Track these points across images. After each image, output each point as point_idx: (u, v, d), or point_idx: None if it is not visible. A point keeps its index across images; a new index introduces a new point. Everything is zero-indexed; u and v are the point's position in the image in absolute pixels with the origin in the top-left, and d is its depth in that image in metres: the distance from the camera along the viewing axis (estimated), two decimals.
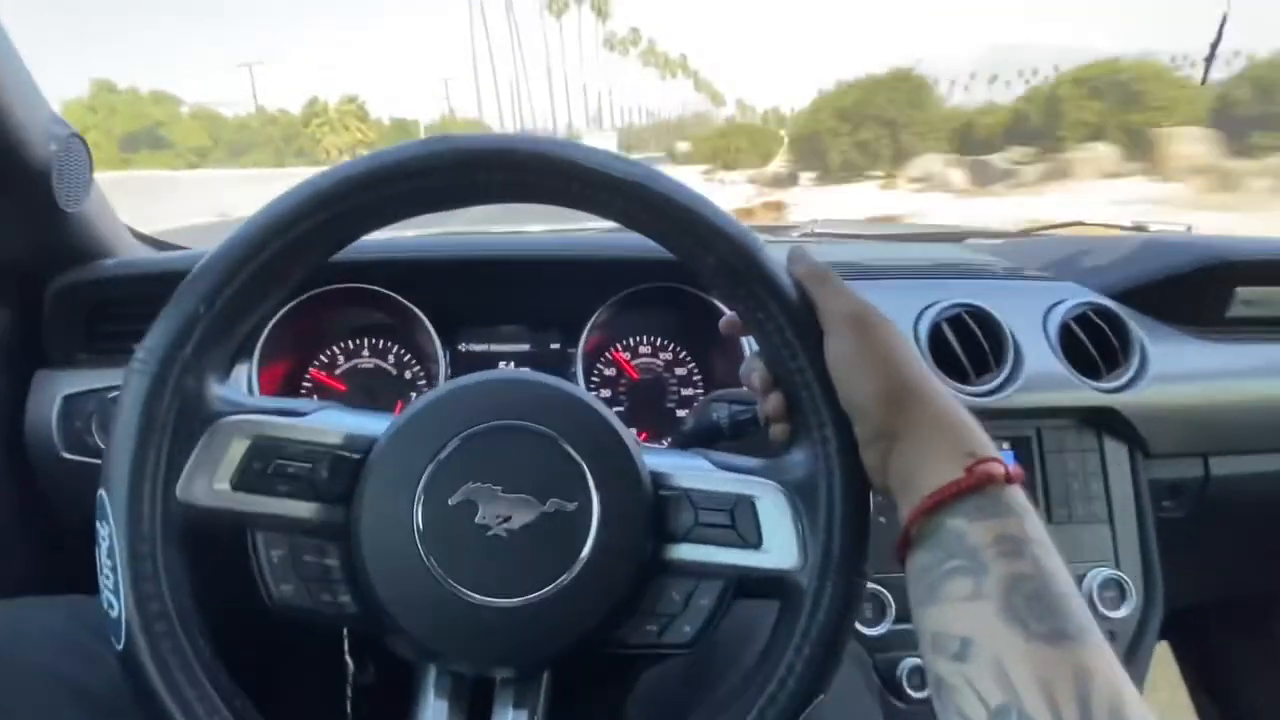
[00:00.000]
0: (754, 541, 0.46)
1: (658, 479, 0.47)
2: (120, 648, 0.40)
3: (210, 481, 0.43)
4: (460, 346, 0.88)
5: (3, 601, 0.55)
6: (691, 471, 0.48)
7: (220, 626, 0.43)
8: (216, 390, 0.45)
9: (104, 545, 0.41)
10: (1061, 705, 0.32)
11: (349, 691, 0.69)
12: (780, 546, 0.45)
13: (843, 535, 0.44)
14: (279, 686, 0.49)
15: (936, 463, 0.41)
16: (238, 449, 0.44)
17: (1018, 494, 0.40)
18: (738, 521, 0.46)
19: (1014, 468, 0.40)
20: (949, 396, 0.43)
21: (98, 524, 0.41)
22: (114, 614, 0.40)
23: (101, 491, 0.41)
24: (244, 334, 0.46)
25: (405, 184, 0.43)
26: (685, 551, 0.46)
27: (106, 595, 0.41)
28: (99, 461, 0.71)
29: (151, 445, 0.41)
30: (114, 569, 0.40)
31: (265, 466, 0.44)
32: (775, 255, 0.46)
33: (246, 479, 0.44)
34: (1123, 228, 1.26)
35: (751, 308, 0.45)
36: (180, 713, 0.40)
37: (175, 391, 0.42)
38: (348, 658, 0.65)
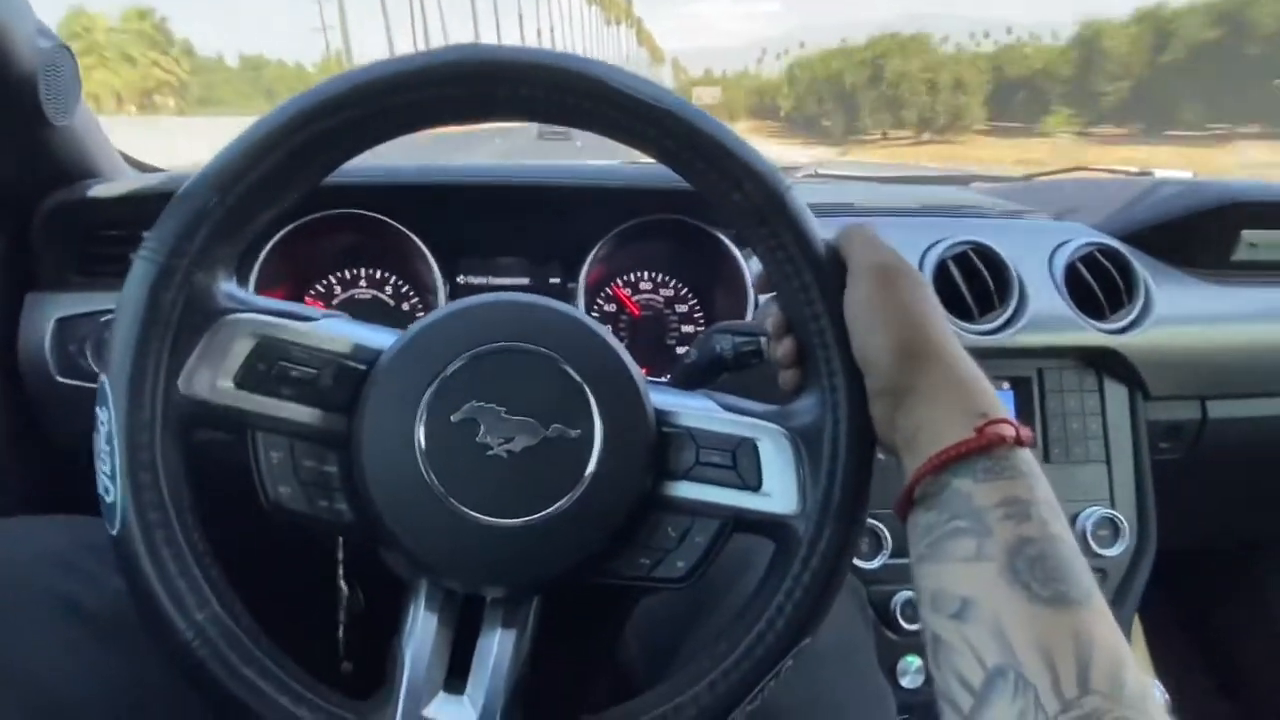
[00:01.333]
0: (754, 484, 0.46)
1: (662, 416, 0.47)
2: (114, 533, 0.40)
3: (213, 377, 0.43)
4: (459, 278, 0.87)
5: (1, 521, 0.55)
6: (697, 411, 0.48)
7: (216, 527, 0.43)
8: (223, 286, 0.44)
9: (103, 430, 0.41)
10: (1060, 669, 0.32)
11: (342, 616, 0.69)
12: (780, 491, 0.45)
13: (843, 484, 0.44)
14: (270, 597, 0.49)
15: (946, 422, 0.40)
16: (242, 347, 0.44)
17: (1027, 456, 0.39)
18: (739, 463, 0.46)
19: (1024, 430, 0.40)
20: (964, 355, 0.43)
21: (97, 409, 0.41)
22: (109, 499, 0.40)
23: (103, 377, 0.41)
24: (252, 234, 0.45)
25: (428, 91, 0.42)
26: (684, 489, 0.46)
27: (103, 480, 0.41)
28: (93, 385, 0.71)
29: (155, 335, 0.41)
30: (111, 454, 0.40)
31: (269, 368, 0.44)
32: (802, 198, 0.45)
33: (249, 378, 0.43)
34: (1128, 172, 1.25)
35: (773, 249, 0.45)
36: (170, 601, 0.40)
37: (182, 283, 0.41)
38: (341, 582, 0.66)
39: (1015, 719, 0.32)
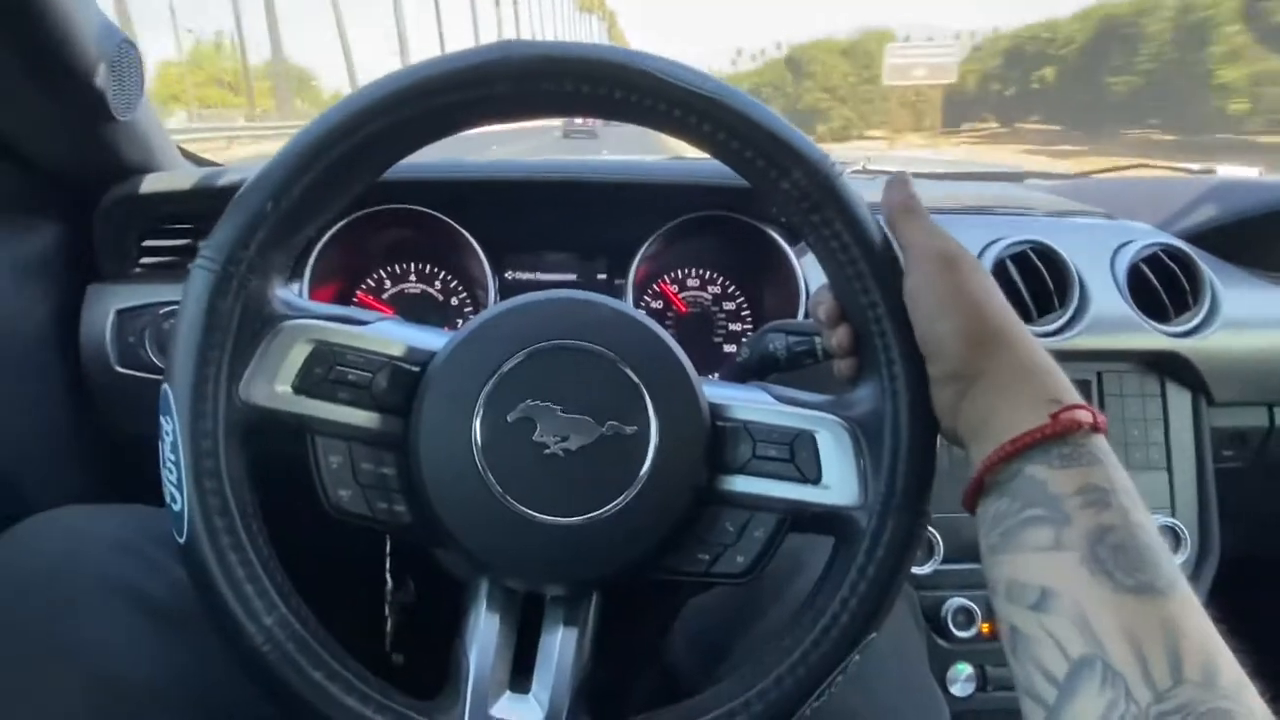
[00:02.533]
0: (813, 477, 0.45)
1: (716, 410, 0.46)
2: (182, 540, 0.41)
3: (271, 383, 0.43)
4: (507, 274, 0.87)
5: (65, 508, 0.56)
6: (751, 404, 0.47)
7: (276, 529, 0.43)
8: (279, 292, 0.45)
9: (167, 440, 0.41)
10: (1151, 659, 0.31)
11: (387, 610, 0.70)
12: (840, 483, 0.45)
13: (906, 474, 0.43)
14: (325, 597, 0.49)
15: (1017, 408, 0.39)
16: (299, 353, 0.44)
17: (1103, 443, 0.38)
18: (797, 456, 0.45)
19: (1101, 417, 0.39)
20: (1034, 342, 0.42)
21: (161, 418, 0.41)
22: (176, 508, 0.41)
23: (165, 386, 0.41)
24: (305, 238, 0.45)
25: (477, 90, 0.42)
26: (741, 483, 0.46)
27: (169, 489, 0.41)
28: (153, 376, 0.72)
29: (215, 343, 0.41)
30: (177, 463, 0.41)
31: (326, 372, 0.44)
32: (853, 184, 0.44)
33: (307, 383, 0.44)
34: (1189, 170, 1.21)
35: (825, 236, 0.44)
36: (239, 605, 0.40)
37: (239, 291, 0.42)
38: (388, 576, 0.66)
39: (1104, 710, 0.31)
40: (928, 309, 0.42)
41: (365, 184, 0.45)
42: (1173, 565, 0.34)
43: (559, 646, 0.46)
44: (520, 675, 0.46)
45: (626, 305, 0.48)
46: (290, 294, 0.46)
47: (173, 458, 0.41)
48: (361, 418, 0.44)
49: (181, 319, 0.42)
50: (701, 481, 0.45)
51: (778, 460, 0.45)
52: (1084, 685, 0.32)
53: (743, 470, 0.46)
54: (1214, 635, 0.32)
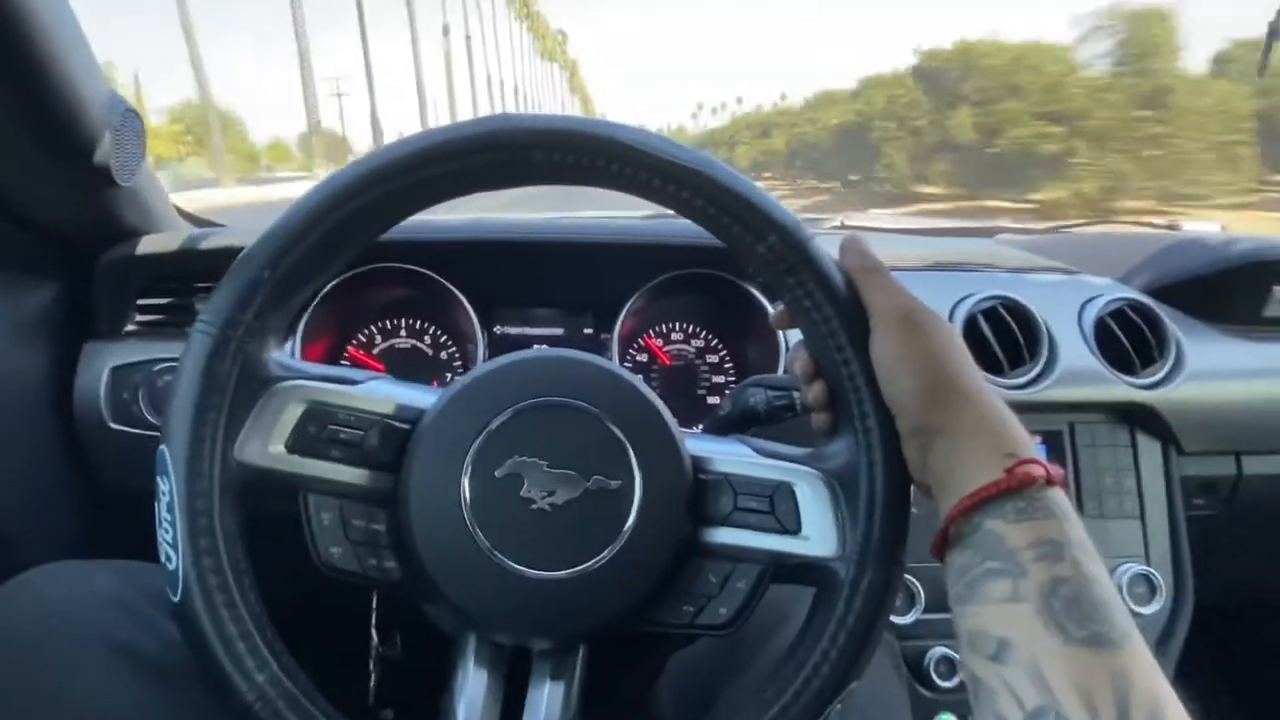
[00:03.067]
0: (793, 528, 0.46)
1: (698, 463, 0.48)
2: (176, 599, 0.41)
3: (266, 443, 0.44)
4: (495, 329, 0.89)
5: (59, 563, 0.56)
6: (732, 457, 0.49)
7: (265, 585, 0.44)
8: (274, 355, 0.46)
9: (164, 500, 0.42)
10: (1100, 709, 0.32)
11: (372, 664, 0.70)
12: (819, 534, 0.46)
13: (883, 525, 0.44)
14: (312, 652, 0.50)
15: (975, 463, 0.41)
16: (293, 413, 0.45)
17: (1059, 496, 0.40)
18: (777, 507, 0.47)
19: (1055, 469, 0.40)
20: (993, 397, 0.43)
21: (158, 479, 0.42)
22: (171, 567, 0.42)
23: (163, 447, 0.42)
24: (301, 303, 0.47)
25: (459, 162, 0.44)
26: (724, 535, 0.47)
27: (165, 548, 0.42)
28: (146, 432, 0.73)
29: (212, 405, 0.43)
30: (173, 523, 0.41)
31: (318, 431, 0.45)
32: (825, 247, 0.46)
33: (300, 442, 0.45)
34: (1155, 225, 1.26)
35: (799, 297, 0.46)
36: (232, 665, 0.41)
37: (237, 354, 0.43)
38: (373, 631, 0.67)
39: None
40: (888, 367, 0.44)
41: (359, 249, 0.47)
42: (1125, 617, 0.36)
43: (546, 700, 0.47)
44: None
45: (610, 362, 0.49)
46: (284, 355, 0.47)
47: (169, 517, 0.42)
48: (353, 475, 0.46)
49: (179, 381, 0.43)
50: (685, 534, 0.46)
51: (759, 512, 0.47)
52: None
53: (725, 522, 0.47)
54: (1163, 686, 0.34)
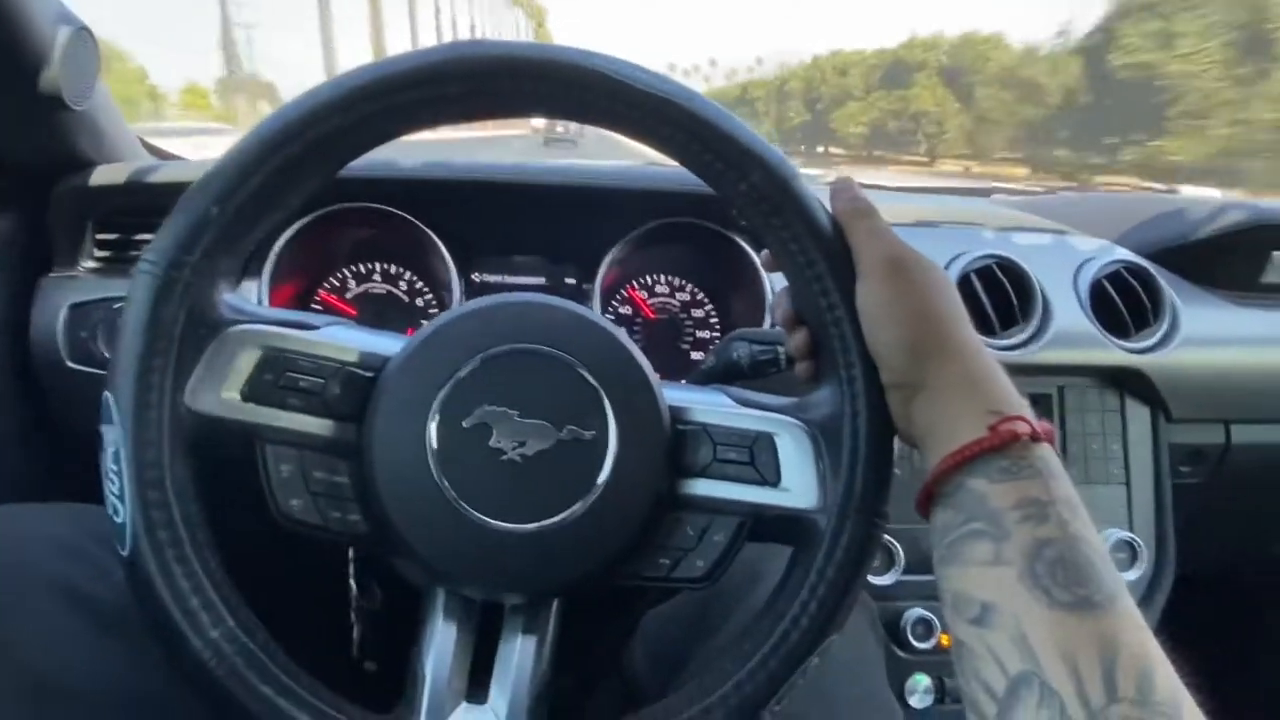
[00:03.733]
0: (773, 479, 0.45)
1: (676, 413, 0.46)
2: (125, 553, 0.39)
3: (218, 391, 0.42)
4: (474, 276, 0.86)
5: (7, 506, 0.54)
6: (711, 407, 0.47)
7: (227, 542, 0.42)
8: (226, 298, 0.43)
9: (109, 450, 0.40)
10: (1086, 676, 0.31)
11: (353, 616, 0.69)
12: (799, 485, 0.45)
13: (865, 477, 0.43)
14: (284, 609, 0.48)
15: (959, 419, 0.39)
16: (247, 359, 0.43)
17: (1046, 453, 0.38)
18: (757, 459, 0.45)
19: (1043, 426, 0.38)
20: (981, 351, 0.41)
21: (102, 428, 0.40)
22: (119, 520, 0.40)
23: (107, 394, 0.40)
24: (254, 242, 0.44)
25: (419, 91, 0.41)
26: (702, 487, 0.45)
27: (111, 501, 0.40)
28: (104, 372, 0.70)
29: (159, 350, 0.40)
30: (119, 474, 0.39)
31: (275, 379, 0.43)
32: (811, 186, 0.44)
33: (256, 390, 0.43)
34: (1154, 189, 1.23)
35: (784, 239, 0.44)
36: (184, 621, 0.39)
37: (183, 296, 0.40)
38: (352, 582, 0.65)
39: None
40: (872, 317, 0.42)
41: (315, 187, 0.44)
42: (1114, 578, 0.34)
43: (518, 655, 0.45)
44: (478, 685, 0.45)
45: (583, 308, 0.47)
46: (238, 299, 0.44)
47: (115, 468, 0.39)
48: (313, 425, 0.43)
49: (124, 325, 0.40)
50: (662, 485, 0.45)
51: (738, 463, 0.45)
52: (1022, 703, 0.32)
53: (703, 473, 0.45)
54: (1152, 648, 0.32)
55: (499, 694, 0.45)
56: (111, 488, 0.40)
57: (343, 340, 0.45)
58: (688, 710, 0.42)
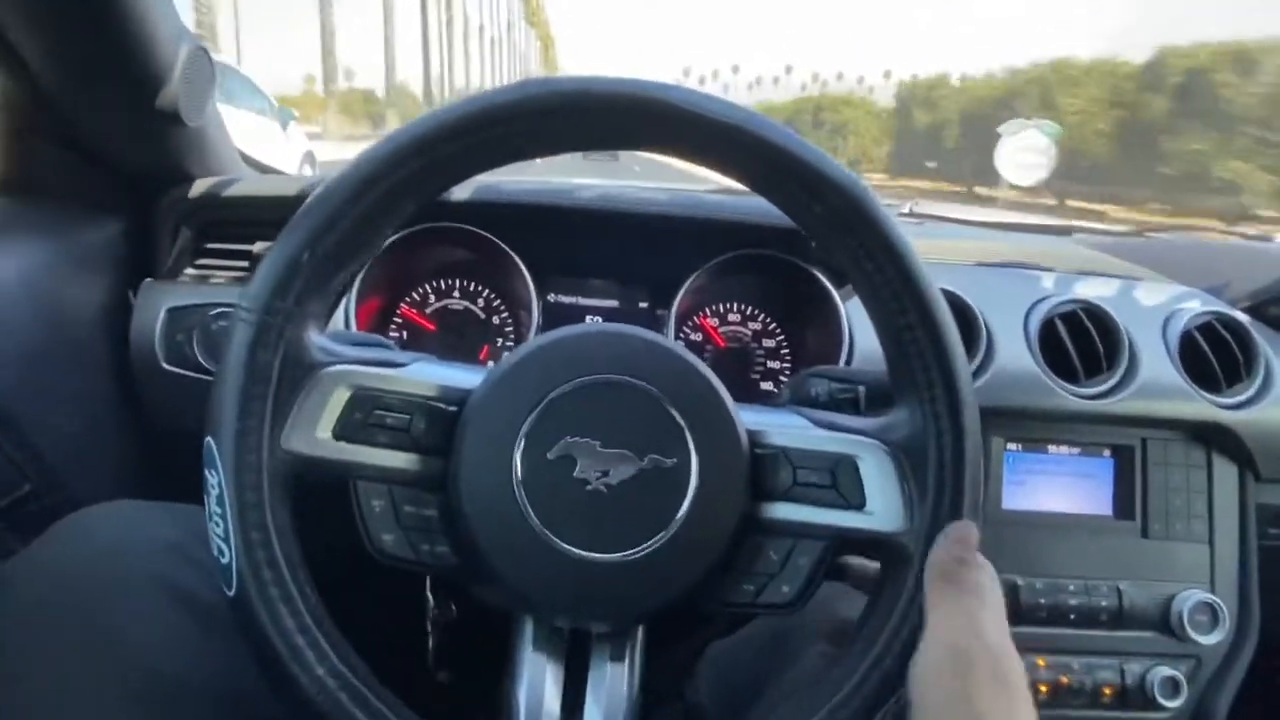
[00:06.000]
0: (857, 502, 0.45)
1: (754, 436, 0.46)
2: (232, 594, 0.41)
3: (313, 431, 0.43)
4: (550, 297, 0.87)
5: (118, 502, 0.56)
6: (790, 429, 0.47)
7: (320, 572, 0.43)
8: (317, 340, 0.45)
9: (213, 493, 0.41)
10: None
11: (429, 628, 0.70)
12: (885, 508, 0.44)
13: (952, 499, 0.42)
14: (366, 627, 0.49)
15: None
16: (339, 399, 0.44)
17: None
18: (839, 481, 0.45)
19: None
20: None
21: (206, 472, 0.41)
22: (224, 561, 0.41)
23: (209, 439, 0.41)
24: (342, 284, 0.45)
25: (495, 130, 0.42)
26: (782, 510, 0.45)
27: (216, 542, 0.41)
28: (198, 375, 0.73)
29: (256, 395, 0.41)
30: (224, 516, 0.40)
31: (365, 417, 0.44)
32: (885, 206, 0.44)
33: (347, 429, 0.44)
34: (1245, 235, 1.19)
35: (859, 258, 0.43)
36: (291, 658, 0.40)
37: (278, 342, 0.42)
38: (429, 594, 0.66)
39: None
40: (925, 706, 0.38)
41: (397, 226, 0.46)
42: None
43: (609, 682, 0.46)
44: (569, 713, 0.46)
45: (657, 335, 0.48)
46: (327, 340, 0.46)
47: (219, 510, 0.41)
48: (402, 460, 0.44)
49: (222, 371, 0.42)
50: (743, 510, 0.45)
51: (819, 487, 0.45)
52: None
53: (784, 497, 0.45)
54: None
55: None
56: (216, 530, 0.41)
57: (425, 376, 0.46)
58: None
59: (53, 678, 0.45)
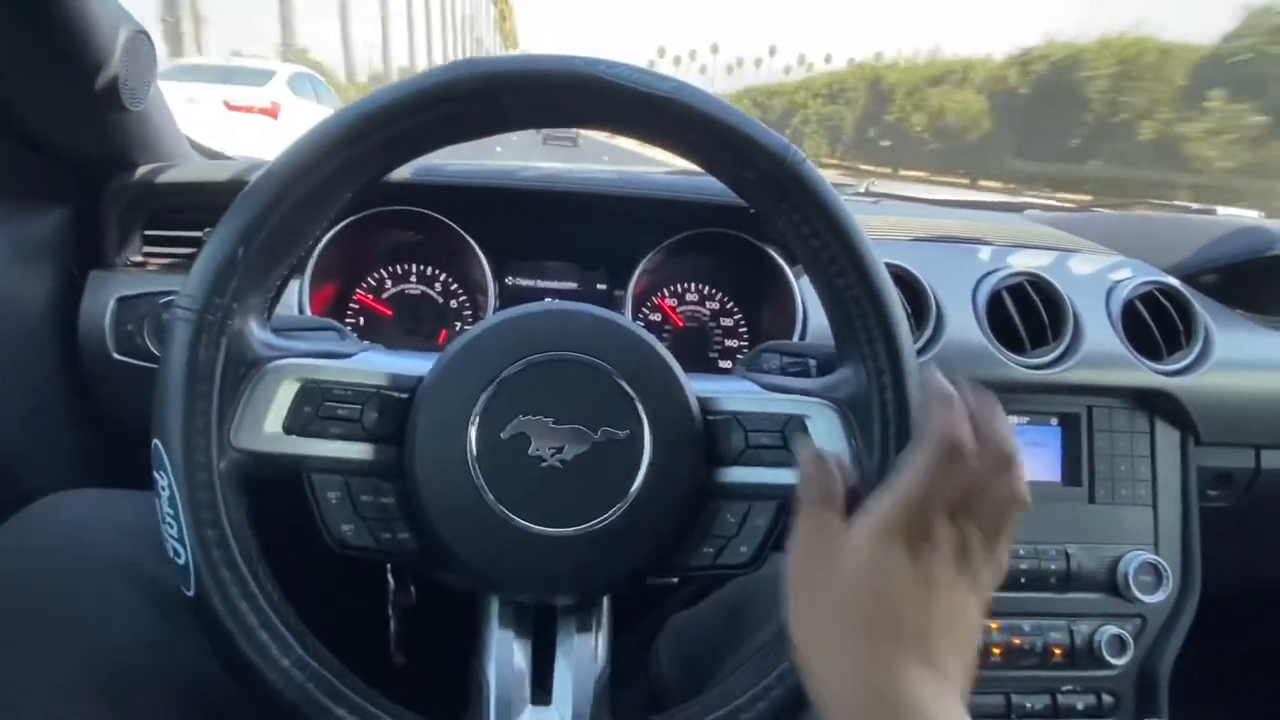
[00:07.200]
0: None
1: (705, 403, 0.47)
2: (191, 594, 0.41)
3: (261, 426, 0.43)
4: (507, 280, 0.87)
5: (78, 491, 0.56)
6: (740, 394, 0.48)
7: (278, 562, 0.43)
8: (259, 334, 0.45)
9: (164, 495, 0.41)
10: None
11: (390, 611, 0.70)
12: None
13: (899, 450, 0.43)
14: (327, 613, 0.50)
15: None
16: (286, 393, 0.44)
17: None
18: (790, 441, 0.46)
19: None
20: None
21: (155, 473, 0.41)
22: (180, 562, 0.41)
23: (156, 441, 0.41)
24: (281, 276, 0.45)
25: (428, 114, 0.42)
26: (737, 474, 0.46)
27: (171, 544, 0.41)
28: (149, 365, 0.72)
29: (201, 393, 0.41)
30: (176, 518, 0.40)
31: (315, 409, 0.44)
32: (818, 170, 0.44)
33: (297, 422, 0.44)
34: (1189, 209, 1.22)
35: (796, 222, 0.44)
36: (256, 655, 0.40)
37: (219, 338, 0.42)
38: (390, 577, 0.66)
39: None
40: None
41: (334, 215, 0.46)
42: None
43: (575, 654, 0.47)
44: (540, 687, 0.46)
45: (604, 310, 0.48)
46: (270, 335, 0.46)
47: (171, 512, 0.40)
48: (355, 450, 0.45)
49: (165, 371, 0.41)
50: (699, 477, 0.46)
51: (771, 448, 0.46)
52: None
53: (738, 461, 0.46)
54: None
55: (562, 693, 0.46)
56: (170, 531, 0.41)
57: (374, 365, 0.46)
58: (716, 712, 0.43)
59: (14, 661, 0.45)
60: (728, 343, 0.90)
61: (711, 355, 0.90)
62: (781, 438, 0.46)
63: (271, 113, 6.66)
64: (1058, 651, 0.80)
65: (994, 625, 0.80)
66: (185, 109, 5.79)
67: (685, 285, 0.90)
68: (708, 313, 0.90)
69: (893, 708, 0.32)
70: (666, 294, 0.90)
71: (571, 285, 0.88)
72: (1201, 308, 0.85)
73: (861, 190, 1.20)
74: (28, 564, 0.49)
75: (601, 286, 0.88)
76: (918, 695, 0.32)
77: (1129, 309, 0.84)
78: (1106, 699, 0.82)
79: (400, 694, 0.44)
